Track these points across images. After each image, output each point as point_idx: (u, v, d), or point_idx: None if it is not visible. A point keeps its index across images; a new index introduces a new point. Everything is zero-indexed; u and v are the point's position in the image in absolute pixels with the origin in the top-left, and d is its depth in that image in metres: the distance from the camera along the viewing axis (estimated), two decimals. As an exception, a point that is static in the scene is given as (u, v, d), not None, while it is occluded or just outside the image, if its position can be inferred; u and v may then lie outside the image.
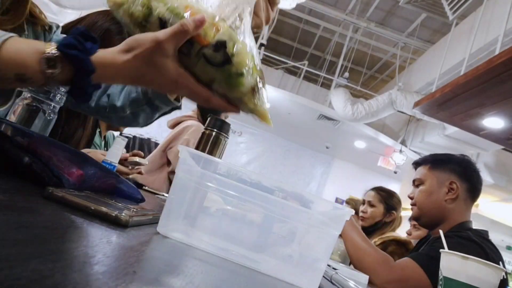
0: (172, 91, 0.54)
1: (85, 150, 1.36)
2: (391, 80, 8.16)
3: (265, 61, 7.34)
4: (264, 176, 0.56)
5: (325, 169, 9.07)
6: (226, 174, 0.54)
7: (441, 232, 0.74)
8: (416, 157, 6.84)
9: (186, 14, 0.50)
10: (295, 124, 7.49)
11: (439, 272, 0.62)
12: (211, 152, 1.09)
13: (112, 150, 1.11)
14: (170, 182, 2.17)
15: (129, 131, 2.99)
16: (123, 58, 0.49)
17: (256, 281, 0.48)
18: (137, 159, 1.36)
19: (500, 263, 0.87)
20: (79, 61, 0.47)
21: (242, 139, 8.40)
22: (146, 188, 1.81)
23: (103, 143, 1.66)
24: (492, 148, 5.07)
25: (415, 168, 1.49)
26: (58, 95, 0.75)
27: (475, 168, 1.40)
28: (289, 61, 7.31)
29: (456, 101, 3.19)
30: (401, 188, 8.44)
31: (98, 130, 1.57)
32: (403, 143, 6.57)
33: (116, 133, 1.97)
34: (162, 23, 0.51)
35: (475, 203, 1.43)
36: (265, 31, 6.49)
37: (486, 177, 5.21)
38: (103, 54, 0.49)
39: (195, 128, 2.10)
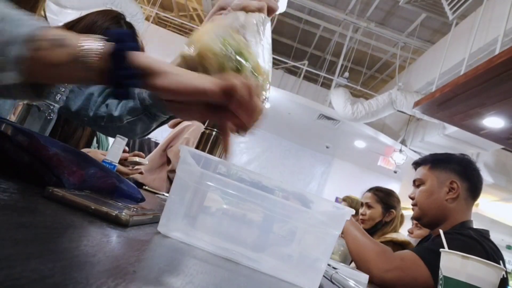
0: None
1: (85, 150, 1.36)
2: (391, 80, 8.16)
3: (265, 61, 7.32)
4: (264, 175, 0.56)
5: (325, 169, 9.08)
6: (226, 174, 0.55)
7: (441, 231, 0.74)
8: (416, 157, 6.84)
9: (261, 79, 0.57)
10: (295, 124, 7.50)
11: (439, 271, 0.62)
12: (211, 152, 1.09)
13: (112, 150, 1.11)
14: (170, 181, 2.17)
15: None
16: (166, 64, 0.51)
17: (256, 281, 0.48)
18: (137, 159, 1.36)
19: (501, 262, 0.87)
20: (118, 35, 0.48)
21: (242, 139, 8.40)
22: (146, 187, 1.81)
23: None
24: (492, 147, 5.08)
25: (415, 168, 1.49)
26: (58, 95, 0.75)
27: (475, 167, 1.40)
28: (289, 61, 7.31)
29: (456, 101, 3.19)
30: (401, 188, 8.45)
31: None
32: (403, 142, 6.57)
33: None
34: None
35: (475, 203, 1.43)
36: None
37: (486, 176, 5.22)
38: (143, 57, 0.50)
39: (195, 127, 2.10)
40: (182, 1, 8.11)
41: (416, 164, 1.49)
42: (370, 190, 2.38)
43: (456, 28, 5.14)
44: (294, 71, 8.18)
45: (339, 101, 6.08)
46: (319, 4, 6.59)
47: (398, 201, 2.34)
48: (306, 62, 7.49)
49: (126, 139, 1.09)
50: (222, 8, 0.67)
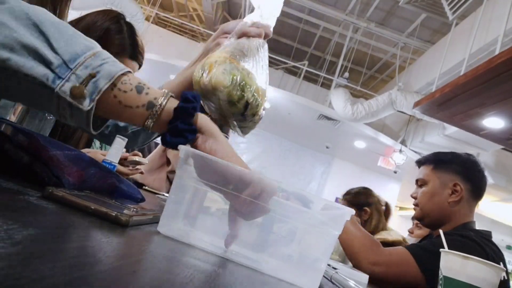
0: None
1: (84, 150, 1.36)
2: (391, 80, 8.16)
3: (265, 61, 7.32)
4: (264, 175, 0.56)
5: (325, 169, 9.08)
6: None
7: (441, 232, 0.74)
8: (416, 157, 6.83)
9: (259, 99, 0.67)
10: (295, 124, 7.50)
11: (439, 271, 0.62)
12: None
13: (112, 150, 1.10)
14: (170, 182, 2.17)
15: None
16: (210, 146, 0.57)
17: (256, 281, 0.48)
18: (137, 158, 1.36)
19: (501, 263, 0.86)
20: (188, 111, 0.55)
21: (242, 139, 8.40)
22: (146, 187, 1.81)
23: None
24: (492, 148, 5.08)
25: (418, 167, 1.47)
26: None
27: (479, 168, 1.37)
28: (289, 61, 7.31)
29: (456, 101, 3.19)
30: (401, 188, 8.46)
31: None
32: (403, 143, 6.57)
33: None
34: (246, 105, 0.66)
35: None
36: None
37: (486, 177, 5.19)
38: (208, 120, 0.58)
39: None
40: (182, 1, 8.11)
41: (419, 163, 1.47)
42: (342, 197, 2.31)
43: (456, 28, 5.14)
44: (294, 71, 8.18)
45: (339, 101, 6.08)
46: (319, 4, 6.59)
47: (369, 195, 2.24)
48: (306, 62, 7.49)
49: (126, 139, 1.09)
50: (226, 33, 0.78)
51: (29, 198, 0.43)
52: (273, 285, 0.49)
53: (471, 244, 1.16)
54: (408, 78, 6.53)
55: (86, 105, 0.48)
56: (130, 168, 1.38)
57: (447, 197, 1.33)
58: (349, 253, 1.26)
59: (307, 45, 8.35)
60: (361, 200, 2.22)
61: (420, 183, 1.42)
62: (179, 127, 0.54)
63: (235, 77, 0.64)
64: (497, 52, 3.16)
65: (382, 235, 2.09)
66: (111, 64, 0.50)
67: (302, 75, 7.24)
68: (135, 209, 0.57)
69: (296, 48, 8.44)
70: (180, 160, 0.53)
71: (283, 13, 7.16)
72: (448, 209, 1.32)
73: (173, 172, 2.14)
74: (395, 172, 7.29)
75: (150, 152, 2.37)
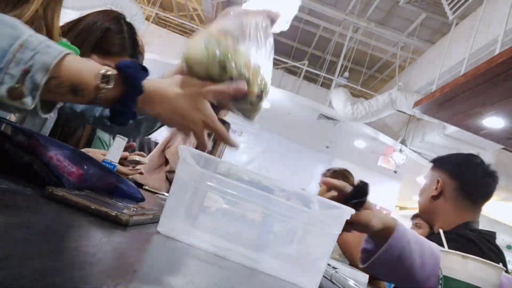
0: (192, 129, 0.58)
1: (84, 150, 1.35)
2: (391, 79, 8.16)
3: (265, 61, 7.32)
4: (264, 175, 0.56)
5: (325, 168, 9.06)
6: (226, 174, 0.55)
7: (441, 231, 0.73)
8: (416, 157, 6.81)
9: (248, 74, 0.61)
10: (295, 124, 7.49)
11: (439, 271, 0.62)
12: (210, 152, 1.09)
13: (112, 150, 1.10)
14: (169, 181, 2.17)
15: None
16: (175, 90, 0.55)
17: (257, 280, 0.48)
18: (137, 157, 1.36)
19: (501, 264, 0.86)
20: (132, 79, 0.51)
21: (242, 139, 8.40)
22: (146, 187, 1.81)
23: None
24: (492, 147, 5.07)
25: None
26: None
27: (474, 168, 1.37)
28: (289, 61, 7.31)
29: (456, 100, 3.19)
30: (401, 188, 8.45)
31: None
32: (403, 142, 6.56)
33: None
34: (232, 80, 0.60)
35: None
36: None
37: (486, 176, 5.18)
38: (154, 81, 0.54)
39: None
40: (182, 1, 8.10)
41: (430, 163, 1.54)
42: (323, 174, 2.37)
43: (456, 28, 5.13)
44: (294, 71, 8.18)
45: (339, 101, 6.07)
46: (319, 4, 6.59)
47: (347, 178, 2.26)
48: (306, 62, 7.48)
49: (126, 139, 1.09)
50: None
51: (29, 198, 0.43)
52: (273, 285, 0.49)
53: (467, 243, 1.16)
54: (408, 78, 6.52)
55: (29, 104, 0.46)
56: (130, 168, 1.38)
57: (431, 192, 1.37)
58: (342, 245, 1.30)
59: (307, 44, 8.34)
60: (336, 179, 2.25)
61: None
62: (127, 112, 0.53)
63: (211, 52, 0.59)
64: (497, 52, 3.16)
65: None
66: (44, 53, 0.46)
67: (302, 75, 7.23)
68: (135, 209, 0.57)
69: (296, 48, 8.43)
70: (181, 160, 0.54)
71: (283, 13, 7.16)
72: (432, 204, 1.37)
73: (172, 171, 2.14)
74: (395, 171, 7.29)
75: (150, 151, 2.37)
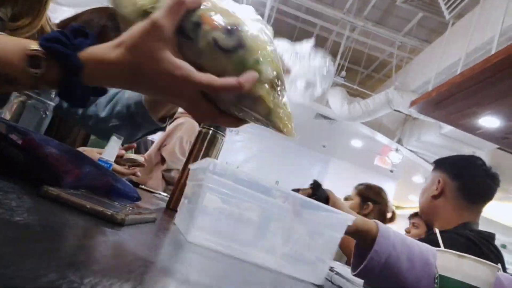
0: (170, 92, 0.42)
1: (80, 149, 1.35)
2: (387, 79, 8.18)
3: (262, 59, 7.32)
4: (261, 176, 0.57)
5: (322, 168, 9.08)
6: (224, 174, 0.54)
7: (436, 230, 0.74)
8: (412, 156, 6.83)
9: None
10: (292, 123, 7.49)
11: (435, 270, 0.62)
12: (207, 151, 1.10)
13: (107, 149, 1.10)
14: (166, 180, 2.17)
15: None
16: (115, 52, 0.41)
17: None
18: (133, 156, 1.35)
19: (499, 264, 0.87)
20: (63, 56, 0.41)
21: (239, 138, 8.40)
22: (143, 186, 1.81)
23: None
24: (487, 147, 5.10)
25: None
26: (53, 92, 0.75)
27: (475, 169, 1.37)
28: (286, 60, 7.29)
29: (452, 100, 3.20)
30: (397, 187, 8.48)
31: None
32: (399, 142, 6.59)
33: None
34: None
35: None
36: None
37: (481, 176, 5.19)
38: (93, 50, 0.43)
39: (187, 124, 2.10)
40: (179, -1, 8.09)
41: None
42: (356, 186, 2.38)
43: (452, 28, 5.15)
44: (291, 70, 8.17)
45: (336, 100, 6.08)
46: (316, 3, 6.59)
47: (379, 195, 2.28)
48: (303, 61, 7.48)
49: (122, 138, 1.09)
50: None
51: (24, 197, 0.43)
52: (278, 279, 0.49)
53: (467, 243, 1.16)
54: (404, 77, 6.54)
55: None
56: (127, 167, 1.38)
57: (431, 192, 1.39)
58: (343, 246, 1.31)
59: (304, 43, 8.34)
60: (369, 195, 2.27)
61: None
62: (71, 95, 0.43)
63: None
64: (493, 52, 3.17)
65: None
66: None
67: (299, 74, 7.24)
68: (131, 208, 0.56)
69: (293, 47, 8.43)
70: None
71: (280, 11, 7.16)
72: (432, 204, 1.38)
73: (168, 170, 2.14)
74: (391, 171, 7.31)
75: (146, 150, 2.37)
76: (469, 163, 1.40)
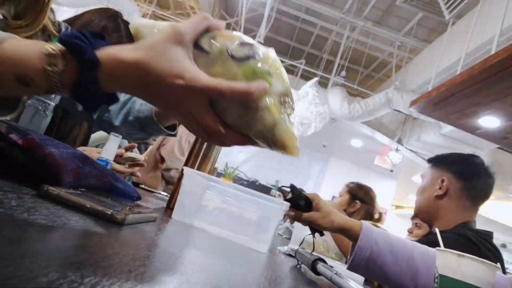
0: (179, 99, 0.42)
1: (80, 148, 1.35)
2: (387, 79, 8.17)
3: (262, 59, 7.31)
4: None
5: (322, 167, 9.09)
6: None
7: (437, 230, 0.74)
8: (412, 156, 6.82)
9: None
10: (292, 123, 7.49)
11: (435, 270, 0.62)
12: (207, 151, 1.10)
13: (107, 148, 1.10)
14: (165, 180, 2.17)
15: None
16: (133, 53, 0.42)
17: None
18: (133, 155, 1.35)
19: (498, 264, 0.87)
20: (81, 51, 0.40)
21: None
22: (142, 186, 1.81)
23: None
24: (487, 147, 5.10)
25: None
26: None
27: (477, 169, 1.37)
28: (286, 60, 7.30)
29: (452, 100, 3.20)
30: (397, 187, 8.49)
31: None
32: (399, 142, 6.58)
33: None
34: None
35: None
36: (262, 30, 6.48)
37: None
38: (110, 49, 0.43)
39: None
40: (179, -1, 8.09)
41: (427, 162, 1.53)
42: (348, 183, 2.44)
43: (452, 28, 5.15)
44: (291, 70, 8.18)
45: (336, 100, 6.08)
46: (316, 3, 6.59)
47: (368, 195, 2.34)
48: (303, 61, 7.48)
49: (121, 136, 1.09)
50: None
51: (24, 196, 0.43)
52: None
53: (467, 243, 1.16)
54: (404, 77, 6.54)
55: None
56: (126, 166, 1.37)
57: (434, 191, 1.37)
58: (340, 245, 1.32)
59: (304, 43, 8.34)
60: (358, 193, 2.33)
61: (422, 179, 1.47)
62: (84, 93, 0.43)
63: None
64: (493, 52, 3.17)
65: None
66: None
67: (299, 74, 7.24)
68: (130, 208, 0.56)
69: (293, 47, 8.43)
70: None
71: (280, 11, 7.16)
72: (435, 204, 1.36)
73: (167, 170, 2.14)
74: (391, 171, 7.32)
75: (146, 149, 2.37)
76: (471, 162, 1.39)
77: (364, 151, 7.83)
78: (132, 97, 1.05)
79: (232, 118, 0.43)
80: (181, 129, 2.11)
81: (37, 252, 0.25)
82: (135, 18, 0.47)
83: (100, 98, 0.43)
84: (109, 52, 0.42)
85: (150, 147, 2.25)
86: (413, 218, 2.57)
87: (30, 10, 0.72)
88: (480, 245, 1.18)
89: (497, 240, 1.27)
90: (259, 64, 0.42)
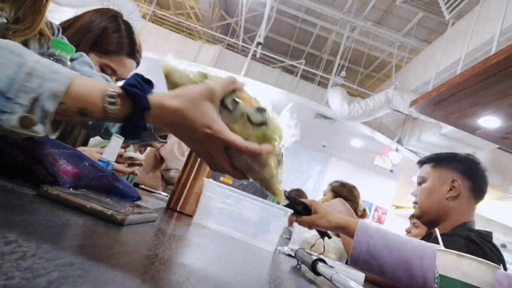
0: (204, 141, 0.53)
1: (80, 149, 1.35)
2: (387, 79, 8.18)
3: (262, 59, 7.34)
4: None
5: (322, 167, 9.09)
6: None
7: (437, 230, 0.74)
8: (412, 156, 6.82)
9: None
10: (292, 123, 7.49)
11: (435, 270, 0.62)
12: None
13: (108, 149, 1.10)
14: (165, 180, 2.17)
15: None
16: (175, 101, 0.52)
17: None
18: (132, 154, 1.35)
19: (501, 265, 0.87)
20: (138, 98, 0.50)
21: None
22: (142, 186, 1.81)
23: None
24: (487, 147, 5.10)
25: (420, 167, 1.47)
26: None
27: (479, 168, 1.36)
28: (286, 60, 7.31)
29: (452, 100, 3.20)
30: (397, 187, 8.49)
31: None
32: (399, 142, 6.59)
33: None
34: None
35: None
36: (262, 30, 6.48)
37: (481, 176, 5.19)
38: (157, 96, 0.52)
39: None
40: (179, -1, 8.09)
41: (421, 163, 1.47)
42: (331, 182, 2.52)
43: (452, 28, 5.15)
44: (291, 70, 8.18)
45: (336, 100, 6.08)
46: (316, 3, 6.59)
47: (352, 194, 2.40)
48: (303, 61, 7.49)
49: (123, 138, 1.09)
50: None
51: (24, 197, 0.43)
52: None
53: (470, 245, 1.15)
54: (404, 77, 6.54)
55: (41, 131, 0.47)
56: (126, 165, 1.37)
57: (446, 193, 1.33)
58: (347, 250, 1.33)
59: (304, 43, 8.34)
60: (341, 192, 2.41)
61: (420, 180, 1.42)
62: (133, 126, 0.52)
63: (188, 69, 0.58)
64: (493, 52, 3.17)
65: None
66: (51, 80, 0.46)
67: (299, 74, 7.24)
68: (130, 208, 0.56)
69: (293, 47, 8.43)
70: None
71: (280, 11, 7.17)
72: (447, 206, 1.32)
73: (167, 170, 2.13)
74: (391, 171, 7.31)
75: (146, 149, 2.37)
76: (473, 162, 1.38)
77: (364, 151, 7.83)
78: None
79: (239, 164, 0.56)
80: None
81: (37, 252, 0.25)
82: (165, 59, 0.57)
83: (142, 130, 0.53)
84: (157, 99, 0.52)
85: (149, 148, 2.25)
86: (411, 218, 2.57)
87: (29, 14, 0.72)
88: (483, 246, 1.17)
89: (497, 240, 1.27)
90: (269, 132, 0.57)
